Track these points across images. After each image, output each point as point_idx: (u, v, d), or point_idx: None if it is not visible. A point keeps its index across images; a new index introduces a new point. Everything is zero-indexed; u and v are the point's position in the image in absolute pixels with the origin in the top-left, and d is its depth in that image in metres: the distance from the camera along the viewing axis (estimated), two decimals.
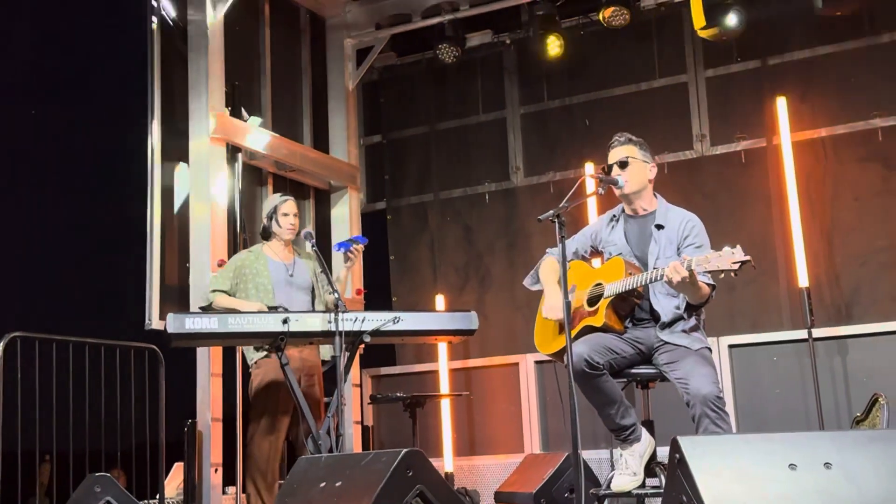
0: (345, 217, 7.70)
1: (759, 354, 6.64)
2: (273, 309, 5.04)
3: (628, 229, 4.32)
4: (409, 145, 8.47)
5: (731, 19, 6.72)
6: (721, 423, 3.83)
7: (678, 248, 4.17)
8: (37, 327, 5.30)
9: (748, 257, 3.69)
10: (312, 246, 5.14)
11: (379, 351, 7.62)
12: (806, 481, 2.79)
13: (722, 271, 3.72)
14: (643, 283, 4.04)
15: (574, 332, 4.13)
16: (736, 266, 3.69)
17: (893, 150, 6.84)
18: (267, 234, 5.49)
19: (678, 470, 2.93)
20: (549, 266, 4.44)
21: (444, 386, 7.41)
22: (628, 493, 4.09)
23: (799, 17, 7.09)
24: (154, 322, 6.11)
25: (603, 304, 4.15)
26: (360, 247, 5.31)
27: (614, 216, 4.42)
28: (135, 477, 5.75)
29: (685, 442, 2.93)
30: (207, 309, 5.27)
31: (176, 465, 6.54)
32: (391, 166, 8.51)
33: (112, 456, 5.70)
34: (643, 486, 4.08)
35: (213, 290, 5.28)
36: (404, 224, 8.42)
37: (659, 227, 4.23)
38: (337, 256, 5.66)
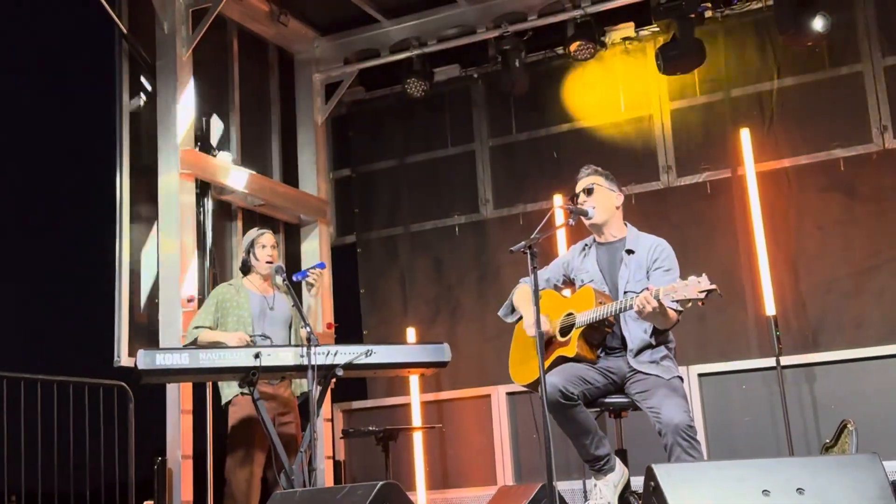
0: (315, 251, 7.70)
1: (729, 383, 6.69)
2: (254, 338, 5.04)
3: (600, 256, 4.37)
4: (379, 179, 8.49)
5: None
6: (693, 451, 3.86)
7: (648, 273, 4.22)
8: (4, 366, 5.24)
9: (714, 286, 3.74)
10: (283, 280, 5.15)
11: (350, 385, 7.59)
12: None
13: (689, 300, 3.78)
14: (613, 312, 4.09)
15: (547, 363, 4.15)
16: (703, 295, 3.74)
17: (855, 180, 6.97)
18: (246, 268, 5.49)
19: (653, 497, 2.96)
20: (523, 292, 4.48)
21: (417, 419, 7.39)
22: None
23: (760, 49, 7.23)
24: (123, 359, 6.07)
25: (575, 334, 4.19)
26: (319, 271, 5.31)
27: (586, 245, 4.47)
28: None
29: (660, 470, 2.96)
30: (192, 346, 5.23)
31: (146, 503, 6.45)
32: (361, 200, 8.53)
33: (81, 494, 5.62)
34: None
35: (196, 327, 5.24)
36: (374, 257, 8.43)
37: (629, 252, 4.28)
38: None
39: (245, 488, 5.22)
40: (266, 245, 5.43)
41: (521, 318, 4.52)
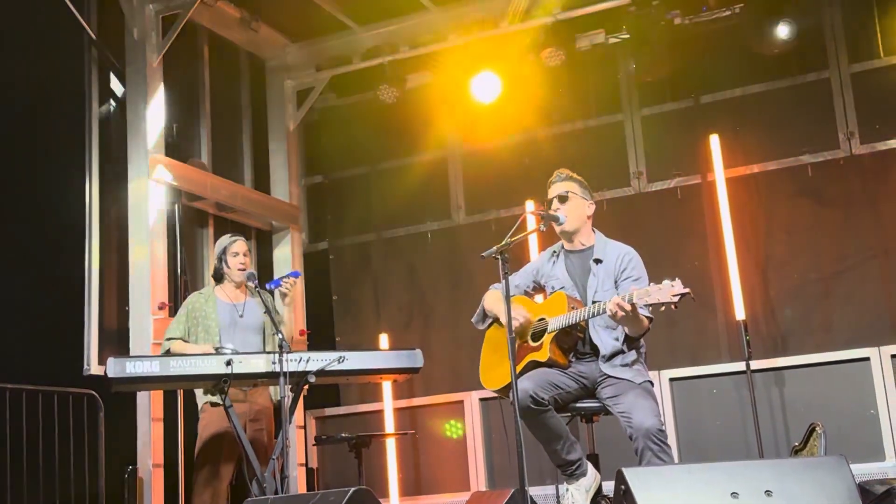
0: (287, 258, 7.69)
1: (700, 387, 6.74)
2: (220, 349, 5.01)
3: (568, 264, 4.39)
4: (351, 185, 8.48)
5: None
6: (663, 455, 3.88)
7: (616, 282, 4.25)
8: None
9: (687, 290, 3.77)
10: (255, 287, 5.13)
11: (323, 391, 7.57)
12: None
13: (662, 304, 3.80)
14: (585, 317, 4.11)
15: (519, 368, 4.16)
16: (676, 298, 3.77)
17: (823, 186, 7.05)
18: (218, 276, 5.45)
19: (624, 500, 2.98)
20: (494, 297, 4.49)
21: (390, 425, 7.38)
22: None
23: (730, 56, 7.30)
24: (93, 367, 6.03)
25: (547, 339, 4.20)
26: (292, 280, 5.29)
27: (555, 251, 4.49)
28: None
29: (630, 473, 2.98)
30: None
31: None
32: (333, 206, 8.52)
33: (50, 503, 5.55)
34: None
35: (168, 339, 5.21)
36: (347, 264, 8.42)
37: (597, 261, 4.31)
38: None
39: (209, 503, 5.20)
40: (238, 252, 5.40)
41: (492, 323, 4.54)
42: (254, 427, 5.27)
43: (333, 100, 8.47)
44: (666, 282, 3.81)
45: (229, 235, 5.50)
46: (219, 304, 5.34)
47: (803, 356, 6.57)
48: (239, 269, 5.37)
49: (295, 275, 5.39)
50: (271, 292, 5.28)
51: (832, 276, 6.92)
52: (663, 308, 3.84)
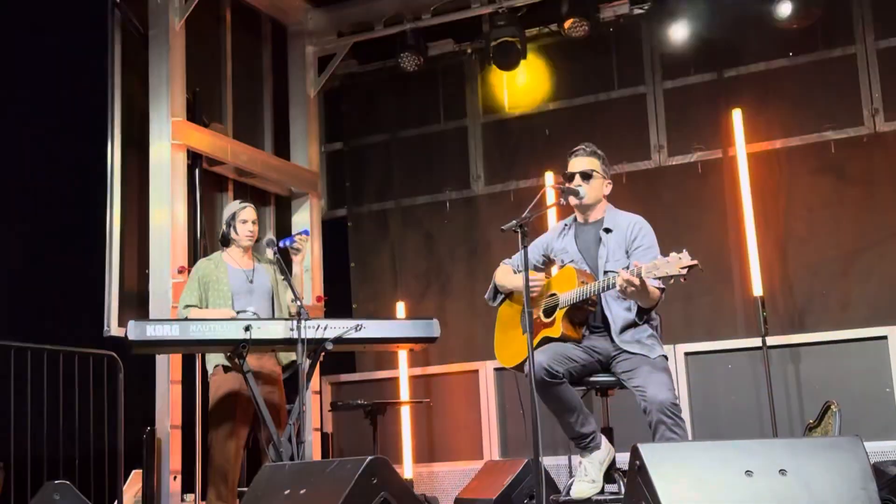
0: (305, 224, 7.70)
1: (715, 362, 6.74)
2: (240, 313, 5.07)
3: (578, 236, 4.40)
4: (371, 153, 8.49)
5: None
6: (677, 429, 3.90)
7: (627, 251, 4.25)
8: None
9: (695, 261, 3.74)
10: (275, 253, 5.15)
11: (339, 358, 7.61)
12: (762, 487, 2.86)
13: (671, 277, 3.78)
14: (596, 291, 4.11)
15: (534, 344, 4.17)
16: (684, 271, 3.75)
17: (845, 163, 7.00)
18: (226, 241, 5.46)
19: (638, 477, 3.00)
20: (504, 271, 4.51)
21: (405, 393, 7.44)
22: (588, 500, 4.14)
23: (754, 29, 7.24)
24: (113, 329, 6.08)
25: (559, 314, 4.21)
26: (305, 237, 5.31)
27: (566, 224, 4.50)
28: (93, 484, 5.68)
29: (645, 449, 3.00)
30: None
31: (134, 472, 6.47)
32: (352, 174, 8.53)
33: (70, 463, 5.63)
34: (602, 492, 4.14)
35: (186, 307, 5.24)
36: (365, 231, 8.44)
37: (607, 230, 4.31)
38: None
39: (232, 460, 5.26)
40: (247, 220, 5.40)
41: (504, 299, 4.55)
42: (266, 390, 5.31)
43: (354, 66, 8.45)
44: (673, 254, 3.79)
45: (239, 202, 5.51)
46: (230, 269, 5.36)
47: (820, 333, 6.55)
48: (247, 236, 5.39)
49: (305, 233, 5.44)
50: (285, 249, 5.29)
51: (851, 254, 6.89)
52: (672, 281, 3.81)
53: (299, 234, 5.39)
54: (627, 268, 3.94)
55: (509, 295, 4.53)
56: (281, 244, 5.29)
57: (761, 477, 2.88)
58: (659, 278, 3.83)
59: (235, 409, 5.26)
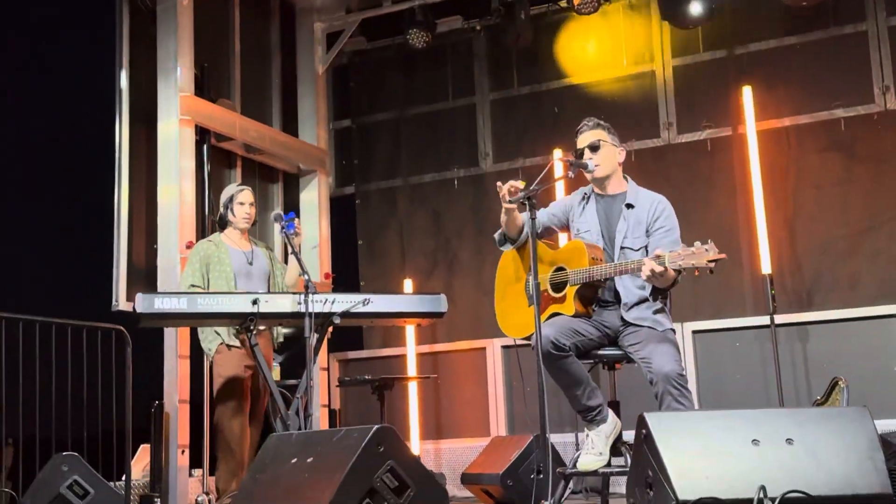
0: (314, 201, 7.70)
1: (722, 340, 6.74)
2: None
3: (598, 208, 4.36)
4: (379, 130, 8.47)
5: (696, 8, 6.84)
6: (683, 399, 3.89)
7: (647, 230, 4.22)
8: (3, 307, 5.25)
9: (723, 254, 3.71)
10: (282, 228, 5.15)
11: (346, 335, 7.64)
12: (768, 456, 2.86)
13: (697, 268, 3.75)
14: (612, 275, 4.07)
15: (543, 318, 4.16)
16: (712, 264, 3.72)
17: (855, 141, 6.96)
18: (223, 223, 5.54)
19: (644, 445, 3.00)
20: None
21: (412, 370, 7.45)
22: (594, 472, 4.15)
23: (765, 7, 7.19)
24: (121, 303, 6.10)
25: (570, 292, 4.17)
26: (296, 220, 5.26)
27: (585, 194, 4.45)
28: (101, 458, 5.71)
29: (652, 418, 3.00)
30: None
31: (142, 446, 6.51)
32: (360, 151, 8.51)
33: (78, 437, 5.66)
34: (609, 465, 4.14)
35: (191, 286, 5.27)
36: (373, 209, 8.43)
37: (629, 206, 4.28)
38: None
39: (239, 436, 5.31)
40: (245, 202, 5.49)
41: (512, 247, 4.48)
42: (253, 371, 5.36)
43: (363, 43, 8.43)
44: (698, 244, 3.74)
45: (237, 184, 5.61)
46: (230, 250, 5.41)
47: (828, 312, 6.55)
48: (244, 218, 5.44)
49: (291, 216, 5.31)
50: (287, 237, 5.30)
51: (860, 232, 6.86)
52: (697, 273, 3.79)
53: (292, 217, 5.28)
54: (653, 256, 3.88)
55: (513, 242, 4.46)
56: (283, 233, 5.27)
57: (768, 446, 2.88)
58: (685, 269, 3.80)
59: (238, 387, 5.31)
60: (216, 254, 5.37)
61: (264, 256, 5.56)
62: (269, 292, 5.37)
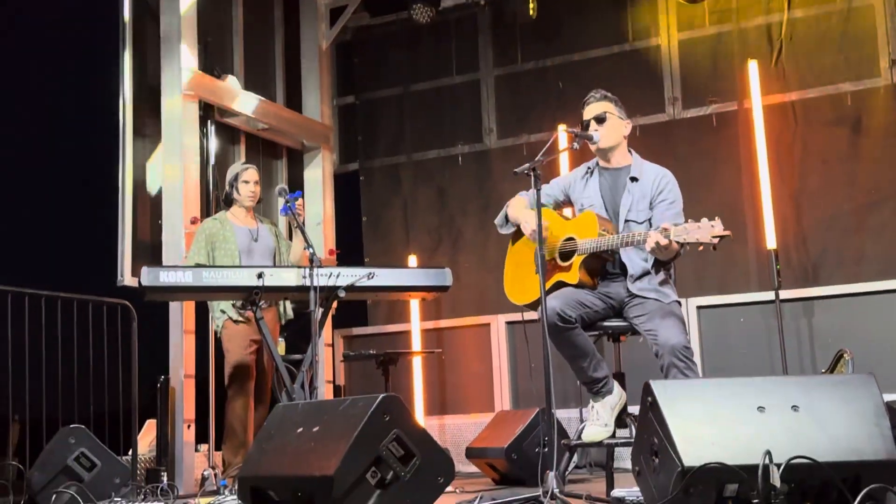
0: (318, 177, 7.69)
1: (727, 315, 6.74)
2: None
3: (602, 181, 4.36)
4: (383, 106, 8.44)
5: None
6: (688, 371, 3.90)
7: (651, 203, 4.22)
8: (9, 281, 5.26)
9: (728, 232, 3.72)
10: (286, 202, 5.15)
11: (351, 311, 7.65)
12: (774, 423, 2.86)
13: (702, 244, 3.76)
14: (618, 245, 4.08)
15: (548, 286, 4.17)
16: (716, 240, 3.73)
17: (861, 115, 6.92)
18: (229, 201, 5.58)
19: (650, 413, 3.00)
20: (518, 203, 4.44)
21: (416, 345, 7.46)
22: (599, 444, 4.16)
23: None
24: (126, 278, 6.11)
25: (576, 261, 4.19)
26: (301, 201, 5.25)
27: (589, 168, 4.46)
28: (108, 433, 5.74)
29: (657, 385, 3.00)
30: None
31: (148, 421, 6.55)
32: (364, 127, 8.50)
33: (84, 412, 5.68)
34: (614, 436, 4.15)
35: (196, 265, 5.28)
36: (377, 185, 8.42)
37: (633, 179, 4.28)
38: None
39: (242, 416, 5.37)
40: (249, 181, 5.54)
41: (515, 229, 4.49)
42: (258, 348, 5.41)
43: (366, 19, 8.40)
44: (705, 221, 3.75)
45: (241, 162, 5.64)
46: (235, 228, 5.45)
47: (833, 287, 6.54)
48: (249, 196, 5.47)
49: (298, 194, 5.31)
50: (293, 213, 5.30)
51: (866, 207, 6.84)
52: (701, 248, 3.79)
53: (295, 197, 5.25)
54: (657, 228, 3.88)
55: (518, 228, 4.47)
56: (282, 213, 5.27)
57: (774, 413, 2.88)
58: (689, 243, 3.80)
59: (243, 369, 5.35)
60: (221, 232, 5.41)
61: (270, 234, 5.59)
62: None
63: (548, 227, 4.25)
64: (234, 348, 5.42)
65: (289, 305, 5.72)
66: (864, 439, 2.82)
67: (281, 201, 5.27)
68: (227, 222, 5.47)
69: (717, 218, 3.75)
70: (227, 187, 5.58)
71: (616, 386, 4.22)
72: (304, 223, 5.23)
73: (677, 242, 3.86)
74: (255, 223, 5.56)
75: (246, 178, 5.54)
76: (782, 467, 2.71)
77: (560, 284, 4.24)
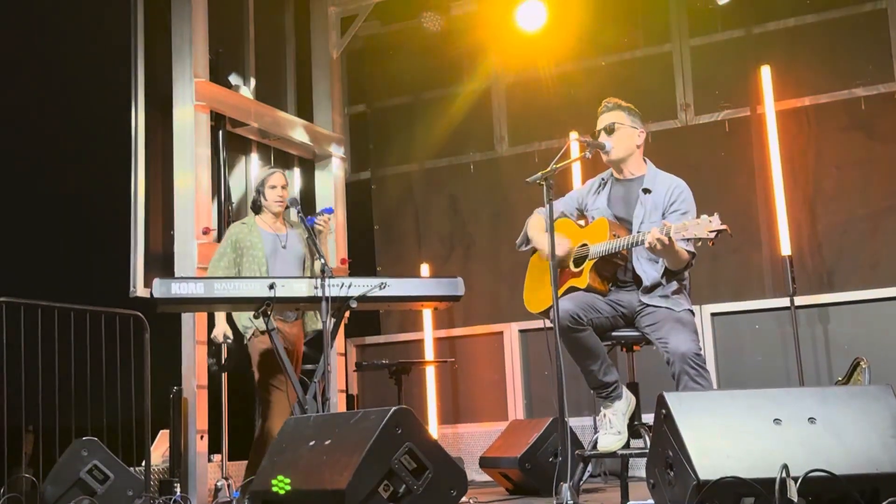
0: (329, 186, 7.68)
1: (742, 322, 6.71)
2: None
3: (614, 193, 4.34)
4: (394, 115, 8.44)
5: None
6: (700, 379, 3.87)
7: (664, 213, 4.20)
8: (22, 293, 5.27)
9: (725, 226, 3.72)
10: (298, 212, 5.15)
11: (363, 320, 7.64)
12: (790, 435, 2.83)
13: (699, 239, 3.77)
14: (625, 246, 4.07)
15: (560, 293, 4.16)
16: (712, 235, 3.72)
17: (875, 120, 6.88)
18: (257, 207, 5.54)
19: (664, 425, 2.97)
20: (537, 222, 4.46)
21: (429, 354, 7.44)
22: (613, 454, 4.13)
23: None
24: (139, 289, 6.11)
25: (587, 266, 4.19)
26: (326, 216, 5.31)
27: (603, 179, 4.44)
28: (121, 444, 5.74)
29: (671, 398, 2.97)
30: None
31: (161, 432, 6.54)
32: (376, 136, 8.49)
33: (97, 423, 5.69)
34: (628, 445, 4.12)
35: (208, 277, 5.27)
36: (389, 194, 8.41)
37: (646, 190, 4.26)
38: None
39: (286, 406, 5.27)
40: (276, 185, 5.48)
41: (535, 250, 4.52)
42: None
43: (377, 27, 8.39)
44: (704, 216, 3.76)
45: (268, 168, 5.59)
46: (263, 233, 5.41)
47: (849, 293, 6.49)
48: (276, 202, 5.43)
49: (328, 211, 5.40)
50: (311, 229, 5.29)
51: (881, 212, 6.79)
52: (699, 243, 3.80)
53: (321, 213, 5.34)
54: (660, 226, 3.91)
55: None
56: (309, 222, 5.26)
57: (790, 425, 2.85)
58: (686, 239, 3.80)
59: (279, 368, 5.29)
60: (248, 237, 5.38)
61: (300, 239, 5.53)
62: (301, 276, 5.37)
63: (568, 245, 4.25)
64: (265, 360, 5.36)
65: (316, 316, 5.68)
66: (881, 451, 2.79)
67: (293, 211, 5.27)
68: (254, 227, 5.44)
69: (715, 214, 3.75)
70: (254, 193, 5.55)
71: (625, 391, 4.21)
72: (324, 236, 5.23)
73: (683, 248, 3.86)
74: (284, 229, 5.51)
75: (273, 183, 5.49)
76: (799, 481, 2.68)
77: (571, 290, 4.24)
